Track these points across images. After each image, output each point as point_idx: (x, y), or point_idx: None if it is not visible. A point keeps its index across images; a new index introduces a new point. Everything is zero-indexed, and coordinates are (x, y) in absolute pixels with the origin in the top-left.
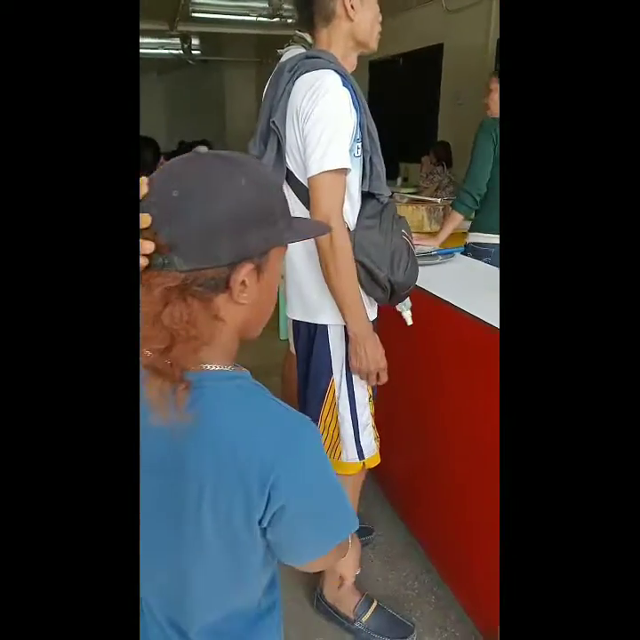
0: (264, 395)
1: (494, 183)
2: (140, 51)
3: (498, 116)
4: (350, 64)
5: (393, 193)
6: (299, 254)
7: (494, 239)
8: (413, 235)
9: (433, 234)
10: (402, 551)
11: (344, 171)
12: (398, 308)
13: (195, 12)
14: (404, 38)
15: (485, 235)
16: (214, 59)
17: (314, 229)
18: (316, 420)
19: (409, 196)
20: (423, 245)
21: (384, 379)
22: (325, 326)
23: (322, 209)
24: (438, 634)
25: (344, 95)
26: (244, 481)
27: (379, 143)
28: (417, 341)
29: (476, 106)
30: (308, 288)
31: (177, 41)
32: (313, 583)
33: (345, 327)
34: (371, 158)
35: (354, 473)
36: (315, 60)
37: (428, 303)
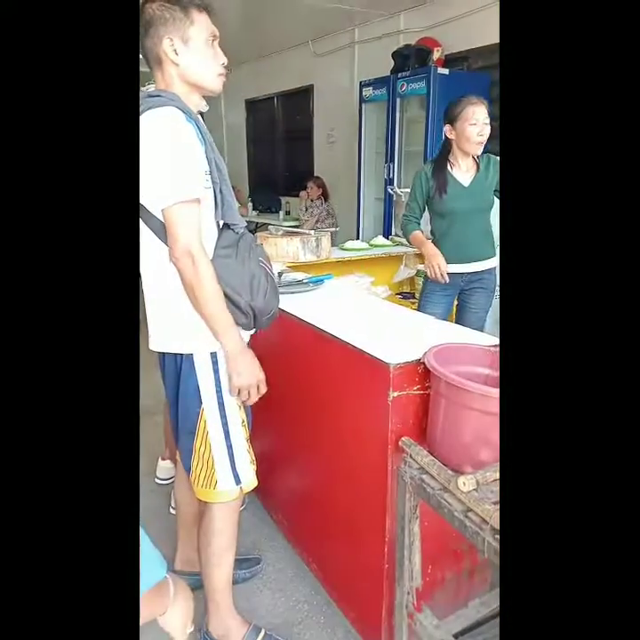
0: None
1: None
2: None
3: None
4: (194, 104)
5: (267, 225)
6: (156, 286)
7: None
8: None
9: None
10: (291, 576)
11: (196, 201)
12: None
13: None
14: (277, 79)
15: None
16: None
17: None
18: (188, 452)
19: (284, 228)
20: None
21: (263, 389)
22: (191, 355)
23: (180, 239)
24: None
25: (188, 129)
26: None
27: (227, 175)
28: (293, 365)
29: (347, 144)
30: (169, 319)
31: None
32: (198, 624)
33: (211, 354)
34: (220, 189)
35: (232, 499)
36: (156, 98)
37: (301, 329)
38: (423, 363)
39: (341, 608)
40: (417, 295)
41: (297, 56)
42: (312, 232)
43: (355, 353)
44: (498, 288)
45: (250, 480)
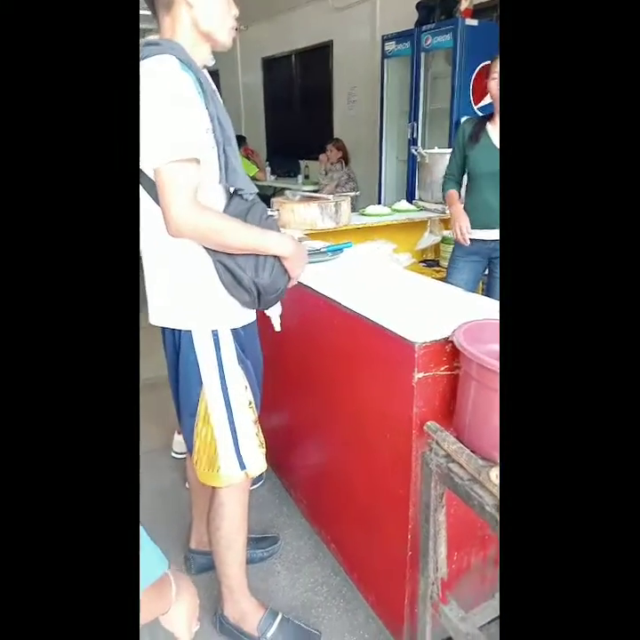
0: None
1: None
2: None
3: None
4: (201, 58)
5: (285, 189)
6: (153, 256)
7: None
8: None
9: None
10: (310, 556)
11: (193, 160)
12: (267, 312)
13: None
14: (294, 36)
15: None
16: None
17: None
18: (190, 434)
19: (302, 193)
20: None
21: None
22: (189, 332)
23: (173, 203)
24: (347, 638)
25: (184, 80)
26: None
27: (233, 135)
28: (310, 340)
29: (368, 104)
30: (167, 292)
31: None
32: (213, 606)
33: (213, 332)
34: (224, 150)
35: (237, 483)
36: (153, 46)
37: (318, 302)
38: (451, 341)
39: (361, 590)
40: (442, 263)
41: (315, 11)
42: (331, 197)
43: (376, 330)
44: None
45: (257, 465)
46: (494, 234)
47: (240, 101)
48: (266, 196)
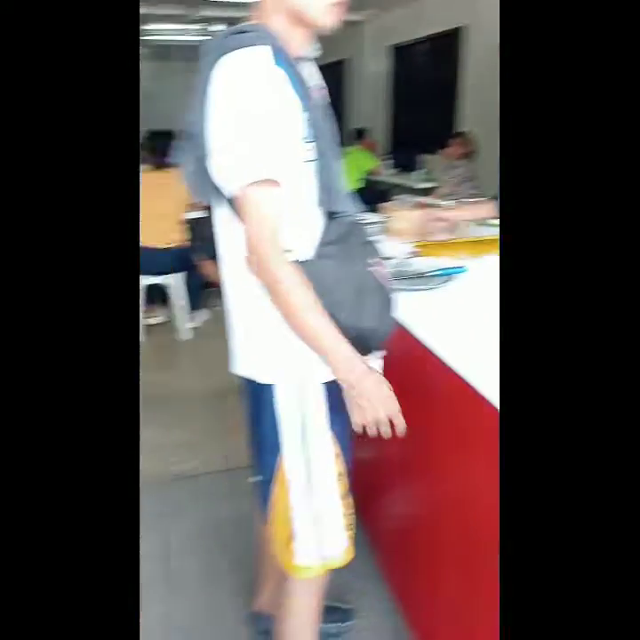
0: None
1: None
2: (160, 37)
3: None
4: (296, 46)
5: (401, 186)
6: (238, 294)
7: None
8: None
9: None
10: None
11: (272, 182)
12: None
13: None
14: (421, 22)
15: None
16: None
17: None
18: (264, 502)
19: (411, 199)
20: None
21: (401, 423)
22: (270, 386)
23: (250, 235)
24: None
25: (274, 77)
26: None
27: (334, 144)
28: (407, 396)
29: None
30: (248, 336)
31: (198, 26)
32: None
33: (299, 387)
34: (324, 164)
35: (311, 576)
36: (240, 35)
37: (415, 348)
38: None
39: None
40: None
41: None
42: (444, 204)
43: (485, 406)
44: None
45: (339, 553)
46: None
47: (361, 93)
48: (381, 192)
